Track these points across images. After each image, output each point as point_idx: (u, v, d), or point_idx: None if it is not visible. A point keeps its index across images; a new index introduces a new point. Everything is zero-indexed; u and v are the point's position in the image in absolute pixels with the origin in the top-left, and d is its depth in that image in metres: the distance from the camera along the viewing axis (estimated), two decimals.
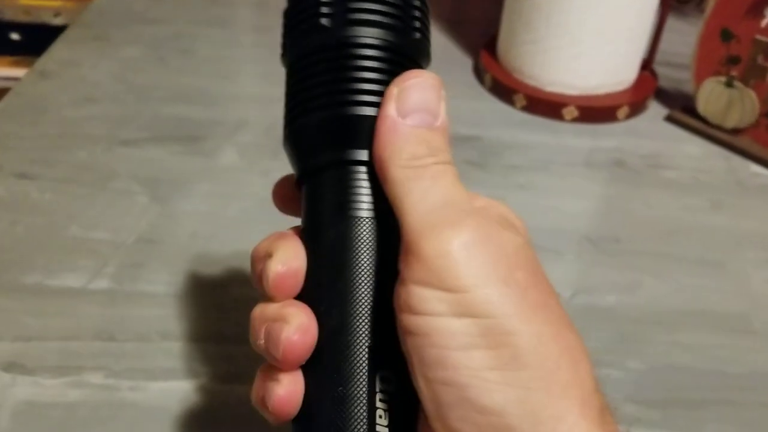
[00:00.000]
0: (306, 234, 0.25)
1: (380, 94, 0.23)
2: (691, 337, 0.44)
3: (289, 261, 0.23)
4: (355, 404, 0.20)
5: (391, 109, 0.21)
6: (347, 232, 0.22)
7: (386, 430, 0.21)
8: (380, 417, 0.21)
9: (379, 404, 0.21)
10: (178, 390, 0.39)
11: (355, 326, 0.21)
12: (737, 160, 0.62)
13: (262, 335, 0.22)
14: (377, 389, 0.21)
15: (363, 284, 0.22)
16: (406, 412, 0.21)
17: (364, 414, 0.20)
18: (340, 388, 0.21)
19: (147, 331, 0.42)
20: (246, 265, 0.47)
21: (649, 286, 0.48)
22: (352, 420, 0.20)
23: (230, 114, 0.63)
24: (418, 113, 0.21)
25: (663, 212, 0.55)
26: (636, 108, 0.66)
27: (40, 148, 0.56)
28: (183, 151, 0.57)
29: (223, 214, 0.51)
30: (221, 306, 0.44)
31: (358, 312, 0.21)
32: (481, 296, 0.18)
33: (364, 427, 0.20)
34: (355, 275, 0.22)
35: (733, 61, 0.61)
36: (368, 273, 0.22)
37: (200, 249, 0.48)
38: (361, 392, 0.21)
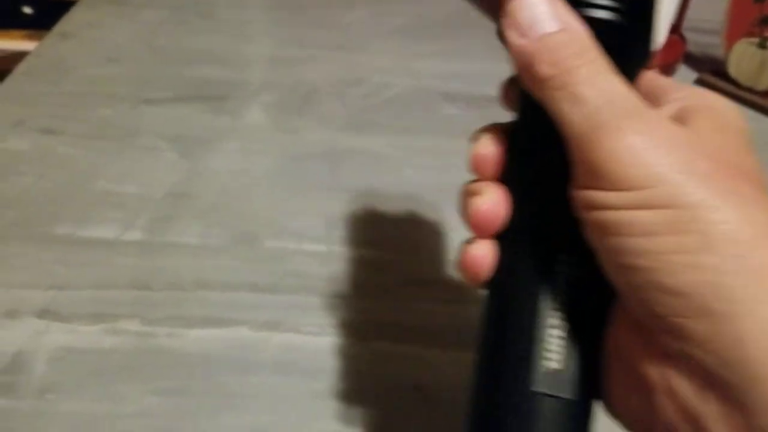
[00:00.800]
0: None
1: None
2: None
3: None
4: (539, 274, 0.22)
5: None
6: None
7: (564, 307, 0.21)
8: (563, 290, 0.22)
9: (560, 276, 0.22)
10: (214, 337, 0.38)
11: (542, 216, 0.23)
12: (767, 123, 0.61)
13: (462, 206, 0.24)
14: (559, 269, 0.22)
15: (552, 177, 0.22)
16: (589, 293, 0.22)
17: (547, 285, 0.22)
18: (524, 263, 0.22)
19: (181, 281, 0.42)
20: (277, 218, 0.47)
21: None
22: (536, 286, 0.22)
23: (253, 75, 0.62)
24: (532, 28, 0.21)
25: None
26: (665, 71, 0.65)
27: (63, 105, 0.55)
28: (208, 110, 0.56)
29: (252, 171, 0.51)
30: (254, 257, 0.44)
31: (544, 202, 0.23)
32: (659, 193, 0.18)
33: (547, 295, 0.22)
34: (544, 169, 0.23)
35: (767, 21, 0.60)
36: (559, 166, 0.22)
37: (230, 203, 0.48)
38: (544, 268, 0.22)
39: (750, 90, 0.62)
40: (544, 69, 0.20)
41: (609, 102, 0.19)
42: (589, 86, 0.20)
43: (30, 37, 1.16)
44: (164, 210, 0.46)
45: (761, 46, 0.61)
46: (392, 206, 0.48)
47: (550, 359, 0.21)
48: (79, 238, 0.44)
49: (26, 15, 1.17)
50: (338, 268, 0.43)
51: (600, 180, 0.19)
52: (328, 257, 0.44)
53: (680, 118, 0.21)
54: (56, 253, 0.43)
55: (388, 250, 0.45)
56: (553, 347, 0.21)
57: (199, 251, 0.44)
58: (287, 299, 0.41)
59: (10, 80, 0.58)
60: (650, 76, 0.23)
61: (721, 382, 0.17)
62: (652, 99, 0.22)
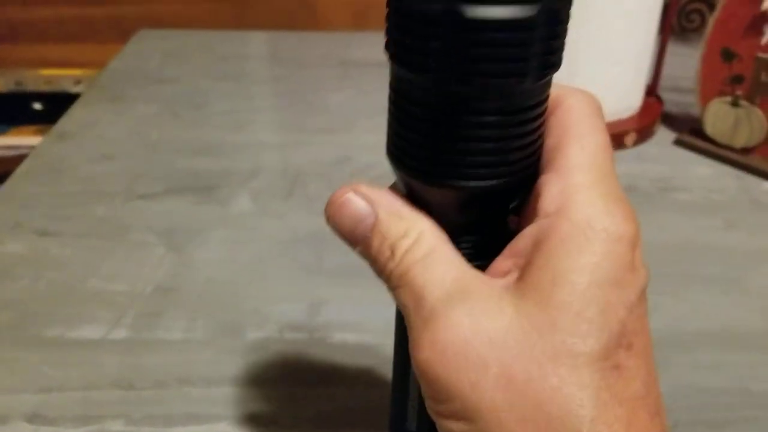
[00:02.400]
0: None
1: None
2: (713, 357, 0.43)
3: None
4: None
5: None
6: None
7: None
8: None
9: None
10: None
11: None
12: (749, 179, 0.61)
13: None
14: None
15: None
16: None
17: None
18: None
19: (165, 378, 0.43)
20: (260, 307, 0.48)
21: (668, 307, 0.47)
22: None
23: (243, 162, 0.64)
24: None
25: (678, 234, 0.54)
26: (644, 134, 0.66)
27: (59, 206, 0.58)
28: (198, 201, 0.59)
29: (238, 259, 0.52)
30: (237, 349, 0.45)
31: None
32: (455, 407, 0.19)
33: None
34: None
35: (737, 80, 0.61)
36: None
37: (215, 294, 0.49)
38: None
39: (728, 147, 0.63)
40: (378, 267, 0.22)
41: (417, 303, 0.20)
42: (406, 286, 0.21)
43: (40, 132, 1.21)
44: (151, 306, 0.48)
45: (734, 104, 0.62)
46: (375, 288, 0.49)
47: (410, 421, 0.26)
48: (68, 339, 0.45)
49: (36, 111, 1.22)
50: (320, 355, 0.44)
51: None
52: (309, 344, 0.45)
53: (529, 262, 0.20)
54: (46, 355, 0.44)
55: (369, 333, 0.46)
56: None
57: (183, 346, 0.45)
58: (268, 392, 0.42)
59: (10, 182, 0.61)
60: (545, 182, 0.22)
61: None
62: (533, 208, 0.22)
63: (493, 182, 0.20)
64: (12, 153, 1.14)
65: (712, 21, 0.61)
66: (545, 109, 0.21)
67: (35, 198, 0.59)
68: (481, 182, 0.20)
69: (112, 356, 0.44)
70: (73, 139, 0.67)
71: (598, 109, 0.22)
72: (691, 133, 0.66)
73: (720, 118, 0.63)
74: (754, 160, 0.62)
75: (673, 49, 0.76)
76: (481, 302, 0.19)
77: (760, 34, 0.59)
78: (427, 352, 0.19)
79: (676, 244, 0.53)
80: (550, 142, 0.21)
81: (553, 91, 0.22)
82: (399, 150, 0.22)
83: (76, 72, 1.28)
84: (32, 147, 1.14)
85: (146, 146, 0.66)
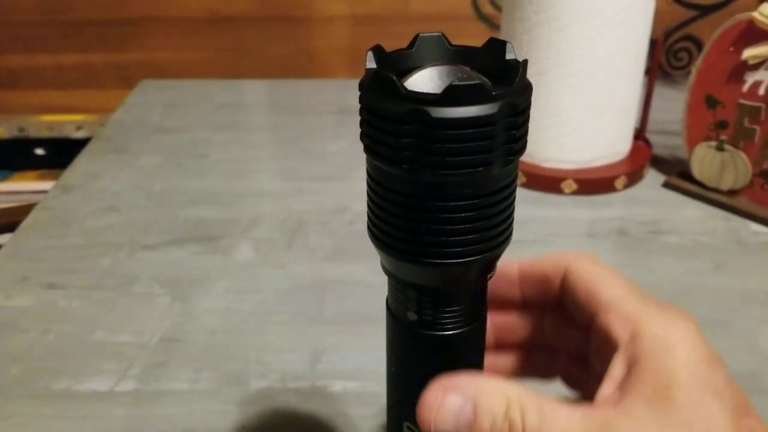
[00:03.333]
0: None
1: None
2: None
3: None
4: None
5: None
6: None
7: None
8: None
9: None
10: None
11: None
12: (737, 220, 0.63)
13: None
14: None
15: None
16: None
17: None
18: None
19: (171, 429, 0.44)
20: (263, 356, 0.49)
21: None
22: None
23: (244, 211, 0.66)
24: None
25: (667, 277, 0.56)
26: (633, 177, 0.68)
27: (65, 258, 0.59)
28: (201, 251, 0.60)
29: (241, 309, 0.54)
30: (241, 399, 0.46)
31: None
32: None
33: None
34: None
35: (721, 125, 0.64)
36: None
37: (220, 344, 0.50)
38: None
39: (715, 190, 0.65)
40: None
41: None
42: None
43: (43, 177, 1.23)
44: (157, 357, 0.49)
45: (719, 148, 0.64)
46: (375, 336, 0.50)
47: None
48: (75, 392, 0.47)
49: (39, 156, 1.25)
50: (322, 404, 0.45)
51: None
52: (311, 393, 0.46)
53: (625, 383, 0.22)
54: (54, 408, 0.45)
55: (370, 381, 0.47)
56: None
57: (189, 397, 0.46)
58: None
59: (17, 235, 0.63)
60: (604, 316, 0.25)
61: None
62: (599, 349, 0.25)
63: (470, 258, 0.22)
64: (15, 198, 1.16)
65: (695, 69, 0.64)
66: (514, 188, 0.23)
67: (41, 251, 0.60)
68: (458, 259, 0.22)
69: (119, 408, 0.45)
70: (77, 191, 0.69)
71: (597, 259, 0.27)
72: (679, 176, 0.68)
73: (706, 161, 0.65)
74: (740, 202, 0.64)
75: (660, 92, 0.79)
76: (625, 427, 0.21)
77: (742, 81, 0.61)
78: None
79: (665, 286, 0.55)
80: (580, 293, 0.26)
81: (554, 258, 0.27)
82: (379, 231, 0.23)
83: (78, 117, 1.30)
84: (35, 192, 1.16)
85: (150, 197, 0.68)
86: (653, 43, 0.68)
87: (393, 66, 0.23)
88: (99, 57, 1.30)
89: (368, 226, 0.24)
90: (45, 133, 1.27)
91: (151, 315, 0.53)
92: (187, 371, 0.48)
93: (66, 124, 1.28)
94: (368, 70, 0.21)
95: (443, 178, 0.20)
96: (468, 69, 0.22)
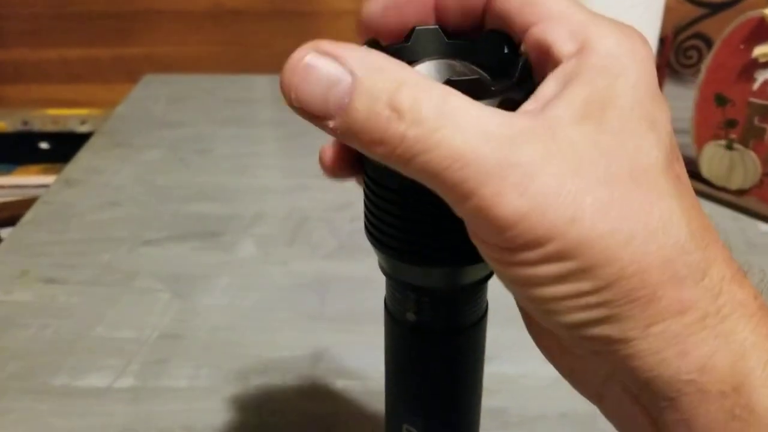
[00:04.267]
0: None
1: None
2: None
3: None
4: None
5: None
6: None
7: None
8: None
9: None
10: None
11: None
12: (745, 220, 0.62)
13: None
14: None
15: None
16: None
17: None
18: None
19: (171, 426, 0.43)
20: (266, 354, 0.48)
21: None
22: None
23: (247, 207, 0.65)
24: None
25: None
26: None
27: (66, 253, 0.59)
28: (203, 247, 0.60)
29: (242, 306, 0.53)
30: (241, 396, 0.45)
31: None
32: (554, 247, 0.18)
33: None
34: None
35: (731, 124, 0.63)
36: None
37: (220, 341, 0.50)
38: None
39: (724, 189, 0.64)
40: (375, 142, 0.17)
41: (464, 161, 0.17)
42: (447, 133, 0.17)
43: (47, 171, 1.23)
44: (157, 353, 0.49)
45: (728, 147, 0.63)
46: (377, 334, 0.50)
47: None
48: (74, 388, 0.46)
49: (43, 150, 1.24)
50: (323, 402, 0.45)
51: (498, 238, 0.18)
52: (313, 391, 0.46)
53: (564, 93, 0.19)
54: (52, 404, 0.45)
55: (371, 380, 0.46)
56: None
57: (188, 394, 0.45)
58: None
59: (17, 230, 0.62)
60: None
61: (641, 400, 0.19)
62: (537, 61, 0.20)
63: (469, 260, 0.21)
64: (18, 192, 1.15)
65: (704, 67, 0.63)
66: None
67: (42, 246, 0.60)
68: (458, 261, 0.22)
69: (118, 405, 0.45)
70: (79, 185, 0.69)
71: None
72: (688, 174, 0.67)
73: (715, 161, 0.64)
74: (749, 201, 0.63)
75: (669, 90, 0.78)
76: (544, 140, 0.17)
77: (752, 80, 0.60)
78: (514, 203, 0.17)
79: None
80: (513, 4, 0.21)
81: None
82: (377, 231, 0.23)
83: (82, 111, 1.30)
84: (38, 186, 1.16)
85: (152, 192, 0.67)
86: (662, 42, 0.67)
87: None
88: (104, 51, 1.29)
89: (365, 226, 0.24)
90: (49, 127, 1.27)
91: (151, 311, 0.52)
92: (187, 368, 0.47)
93: (70, 118, 1.28)
94: None
95: None
96: (466, 63, 0.21)
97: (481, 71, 0.21)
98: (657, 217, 0.18)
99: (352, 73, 0.17)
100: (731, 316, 0.18)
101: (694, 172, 0.66)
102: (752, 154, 0.62)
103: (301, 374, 0.47)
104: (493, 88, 0.19)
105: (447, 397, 0.26)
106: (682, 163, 0.20)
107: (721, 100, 0.63)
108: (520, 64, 0.20)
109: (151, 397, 0.45)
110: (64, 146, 1.17)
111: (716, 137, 0.64)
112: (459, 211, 0.18)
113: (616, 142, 0.18)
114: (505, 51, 0.21)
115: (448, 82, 0.18)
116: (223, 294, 0.54)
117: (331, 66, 0.17)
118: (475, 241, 0.19)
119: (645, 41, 0.20)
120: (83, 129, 1.24)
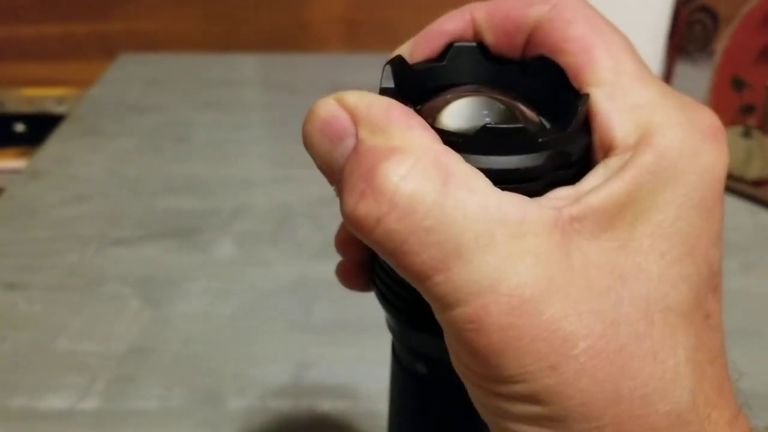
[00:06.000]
0: None
1: None
2: None
3: None
4: None
5: None
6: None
7: None
8: None
9: None
10: None
11: None
12: (763, 214, 0.58)
13: None
14: None
15: None
16: None
17: None
18: None
19: None
20: (243, 369, 0.44)
21: None
22: None
23: (227, 201, 0.60)
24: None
25: None
26: None
27: (29, 254, 0.54)
28: (177, 247, 0.55)
29: (219, 314, 0.49)
30: (216, 420, 0.41)
31: None
32: (531, 388, 0.15)
33: None
34: None
35: (748, 109, 0.58)
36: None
37: (194, 355, 0.45)
38: None
39: (740, 180, 0.60)
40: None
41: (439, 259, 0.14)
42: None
43: (23, 155, 1.17)
44: (124, 369, 0.44)
45: (745, 135, 0.58)
46: (369, 346, 0.45)
47: None
48: (34, 410, 0.42)
49: (19, 133, 1.19)
50: (307, 426, 0.41)
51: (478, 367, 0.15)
52: (295, 413, 0.41)
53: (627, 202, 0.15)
54: (9, 428, 0.41)
55: (362, 400, 0.42)
56: None
57: (158, 417, 0.41)
58: None
59: None
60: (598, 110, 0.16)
61: None
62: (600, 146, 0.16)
63: None
64: None
65: (721, 48, 0.58)
66: None
67: (3, 246, 0.55)
68: None
69: (80, 429, 0.41)
70: (46, 177, 0.64)
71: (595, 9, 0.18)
72: None
73: (731, 148, 0.59)
74: (767, 193, 0.58)
75: (680, 72, 0.73)
76: (560, 251, 0.14)
77: None
78: (492, 336, 0.14)
79: None
80: (569, 56, 0.17)
81: None
82: (391, 293, 0.19)
83: (60, 91, 1.24)
84: (14, 171, 1.11)
85: (124, 185, 0.62)
86: (675, 16, 0.62)
87: (415, 85, 0.17)
88: (83, 27, 1.23)
89: (376, 284, 0.20)
90: (25, 108, 1.21)
91: (119, 320, 0.48)
92: (157, 387, 0.43)
93: (47, 98, 1.22)
94: (383, 90, 0.16)
95: None
96: (511, 97, 0.17)
97: (527, 106, 0.17)
98: (658, 376, 0.15)
99: (356, 134, 0.15)
100: None
101: None
102: None
103: (283, 394, 0.43)
104: (540, 140, 0.15)
105: None
106: (719, 295, 0.16)
107: (738, 84, 0.58)
108: (579, 108, 0.16)
109: (116, 421, 0.41)
110: (41, 128, 1.12)
111: (732, 124, 0.59)
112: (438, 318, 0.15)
113: (638, 268, 0.15)
114: (560, 87, 0.16)
115: (485, 131, 0.15)
116: (199, 301, 0.50)
117: (343, 120, 0.15)
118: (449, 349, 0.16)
119: (719, 137, 0.16)
120: (60, 110, 1.18)
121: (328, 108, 0.16)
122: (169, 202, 0.60)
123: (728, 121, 0.59)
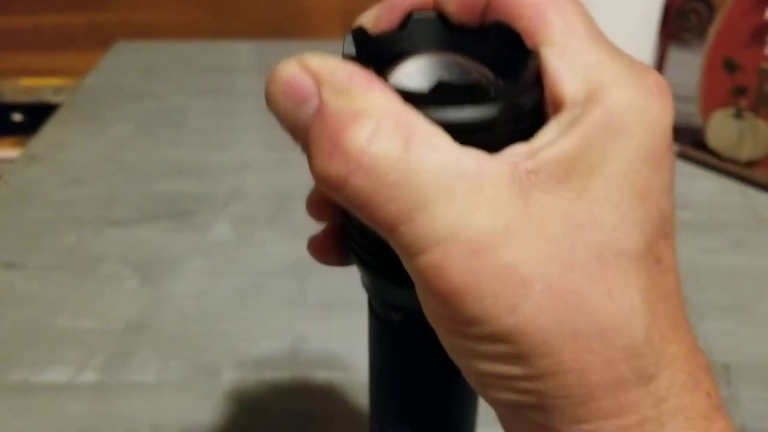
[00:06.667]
0: None
1: None
2: (724, 392, 0.41)
3: None
4: None
5: None
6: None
7: None
8: None
9: None
10: None
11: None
12: (754, 194, 0.58)
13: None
14: None
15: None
16: None
17: None
18: None
19: (137, 425, 0.40)
20: (239, 344, 0.45)
21: None
22: None
23: (223, 184, 0.61)
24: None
25: (682, 257, 0.51)
26: None
27: (27, 236, 0.55)
28: (174, 229, 0.55)
29: (216, 293, 0.49)
30: (213, 392, 0.42)
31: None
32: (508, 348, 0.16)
33: None
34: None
35: (740, 91, 0.59)
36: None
37: (191, 331, 0.46)
38: None
39: (732, 161, 0.60)
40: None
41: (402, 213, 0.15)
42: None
43: (20, 144, 1.18)
44: (122, 345, 0.45)
45: (737, 116, 0.59)
46: (361, 320, 0.46)
47: None
48: (33, 383, 0.42)
49: (16, 122, 1.19)
50: (303, 397, 0.41)
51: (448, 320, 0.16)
52: (291, 385, 0.42)
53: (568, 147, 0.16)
54: (8, 401, 0.41)
55: (355, 372, 0.43)
56: None
57: (156, 389, 0.42)
58: None
59: None
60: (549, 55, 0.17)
61: None
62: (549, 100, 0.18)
63: None
64: None
65: (713, 31, 0.59)
66: None
67: (2, 227, 0.56)
68: None
69: (79, 402, 0.41)
70: (43, 162, 0.64)
71: None
72: (693, 145, 0.63)
73: (723, 130, 0.60)
74: (759, 174, 0.59)
75: (673, 55, 0.73)
76: (519, 201, 0.15)
77: (764, 43, 0.56)
78: (456, 279, 0.15)
79: (680, 268, 0.50)
80: (523, 20, 0.18)
81: None
82: (359, 247, 0.20)
83: (56, 81, 1.24)
84: (11, 161, 1.11)
85: (120, 169, 0.63)
86: (667, 9, 0.63)
87: (376, 53, 0.18)
88: (79, 18, 1.23)
89: (349, 244, 0.21)
90: (22, 98, 1.22)
91: (117, 299, 0.48)
92: (155, 361, 0.44)
93: (44, 88, 1.22)
94: (345, 57, 0.17)
95: None
96: (467, 58, 0.18)
97: (483, 67, 0.18)
98: (613, 313, 0.16)
99: (319, 95, 0.16)
100: (672, 422, 0.16)
101: (700, 142, 0.63)
102: (763, 123, 0.58)
103: (278, 367, 0.43)
104: (494, 93, 0.16)
105: (436, 402, 0.23)
106: (672, 240, 0.18)
107: (730, 66, 0.59)
108: (530, 63, 0.17)
109: (115, 393, 0.42)
110: (38, 118, 1.12)
111: (724, 105, 0.60)
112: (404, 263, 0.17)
113: (593, 217, 0.16)
114: (516, 50, 0.17)
115: (441, 86, 0.15)
116: (196, 280, 0.50)
117: (306, 82, 0.17)
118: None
119: (665, 94, 0.17)
120: (57, 99, 1.19)
121: (291, 70, 0.17)
122: (165, 186, 0.61)
123: (720, 103, 0.60)
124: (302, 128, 0.16)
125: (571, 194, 0.16)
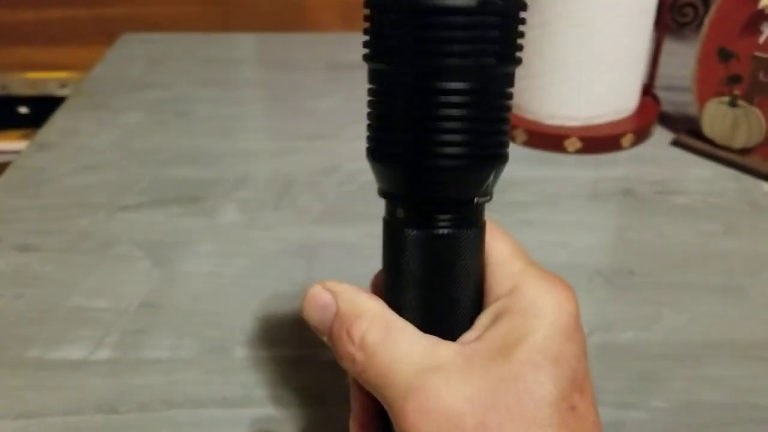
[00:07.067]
0: None
1: None
2: (716, 370, 0.42)
3: None
4: None
5: None
6: None
7: None
8: None
9: None
10: None
11: None
12: (748, 180, 0.60)
13: None
14: None
15: None
16: None
17: None
18: None
19: (150, 400, 0.41)
20: (248, 323, 0.46)
21: (668, 318, 0.46)
22: None
23: (230, 171, 0.63)
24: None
25: (676, 240, 0.53)
26: (641, 135, 0.65)
27: (40, 219, 0.56)
28: (183, 213, 0.57)
29: (226, 273, 0.51)
30: (224, 368, 0.43)
31: None
32: None
33: None
34: None
35: (734, 80, 0.60)
36: None
37: (203, 310, 0.47)
38: None
39: (726, 149, 0.62)
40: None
41: (389, 381, 0.23)
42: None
43: (26, 137, 1.19)
44: (135, 323, 0.46)
45: (732, 104, 0.60)
46: None
47: None
48: (49, 360, 0.44)
49: (22, 115, 1.20)
50: (312, 373, 0.43)
51: None
52: (300, 361, 0.43)
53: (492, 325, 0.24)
54: (26, 378, 0.43)
55: None
56: None
57: (169, 365, 0.43)
58: (257, 412, 0.40)
59: None
60: (505, 258, 0.26)
61: None
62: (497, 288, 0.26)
63: (464, 162, 0.23)
64: None
65: (707, 20, 0.60)
66: (505, 102, 0.26)
67: (16, 211, 0.57)
68: (455, 161, 0.23)
69: (94, 378, 0.43)
70: (54, 149, 0.66)
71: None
72: (688, 133, 0.65)
73: (718, 118, 0.62)
74: (753, 161, 0.61)
75: (670, 46, 0.75)
76: (454, 370, 0.23)
77: (758, 32, 0.58)
78: (412, 418, 0.22)
79: (674, 250, 0.52)
80: None
81: None
82: (382, 144, 0.25)
83: (62, 75, 1.25)
84: (18, 152, 1.12)
85: (130, 156, 0.64)
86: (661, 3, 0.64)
87: None
88: (84, 12, 1.25)
89: (368, 149, 0.26)
90: (28, 91, 1.23)
91: (129, 279, 0.50)
92: (168, 339, 0.45)
93: (50, 81, 1.24)
94: None
95: (424, 67, 0.22)
96: None
97: None
98: None
99: (337, 304, 0.26)
100: None
101: (695, 130, 0.64)
102: (757, 111, 0.59)
103: (287, 344, 0.45)
104: None
105: (444, 301, 0.26)
106: (588, 395, 0.23)
107: (724, 55, 0.60)
108: None
109: (129, 369, 0.43)
110: (44, 110, 1.13)
111: (719, 94, 0.61)
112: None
113: (517, 374, 0.22)
114: None
115: None
116: (205, 261, 0.52)
117: (327, 296, 0.27)
118: None
119: (569, 289, 0.25)
120: (63, 93, 1.20)
121: (317, 290, 0.27)
122: (174, 172, 0.62)
123: (715, 91, 0.62)
124: (326, 326, 0.26)
125: (502, 360, 0.22)
